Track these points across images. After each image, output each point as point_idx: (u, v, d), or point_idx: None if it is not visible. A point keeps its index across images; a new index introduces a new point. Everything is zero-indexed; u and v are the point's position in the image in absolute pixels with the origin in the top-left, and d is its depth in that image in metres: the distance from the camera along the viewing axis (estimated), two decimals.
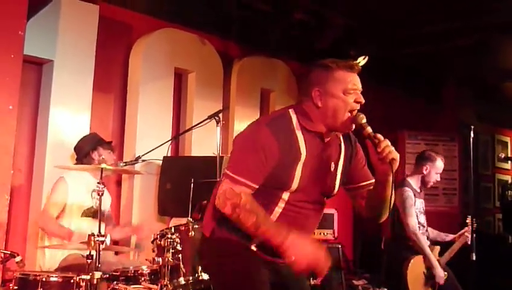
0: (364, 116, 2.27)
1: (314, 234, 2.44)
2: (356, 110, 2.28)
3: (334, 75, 2.28)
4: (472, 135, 4.31)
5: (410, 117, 7.71)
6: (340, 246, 5.84)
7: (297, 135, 2.28)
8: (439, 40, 6.40)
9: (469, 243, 4.46)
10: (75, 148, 4.17)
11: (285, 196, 2.27)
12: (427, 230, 4.65)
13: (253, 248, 2.28)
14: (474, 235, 4.35)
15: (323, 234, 5.74)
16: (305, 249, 2.14)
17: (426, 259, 4.47)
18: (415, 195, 4.56)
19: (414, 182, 4.65)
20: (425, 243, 4.48)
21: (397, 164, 2.21)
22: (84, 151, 4.09)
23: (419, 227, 4.51)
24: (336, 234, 5.96)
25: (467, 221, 4.55)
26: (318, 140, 2.32)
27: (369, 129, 2.26)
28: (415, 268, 4.46)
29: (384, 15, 5.96)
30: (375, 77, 6.53)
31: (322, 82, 2.29)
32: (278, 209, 2.27)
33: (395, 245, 4.58)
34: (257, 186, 2.21)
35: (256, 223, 2.16)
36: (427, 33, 6.28)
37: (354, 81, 2.29)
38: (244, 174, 2.19)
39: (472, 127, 4.34)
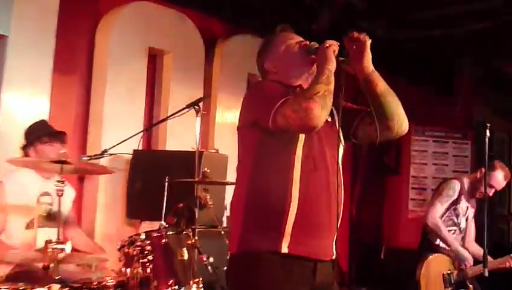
0: (316, 43, 2.52)
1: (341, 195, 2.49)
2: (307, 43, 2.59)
3: (274, 42, 2.65)
4: (488, 134, 4.32)
5: (416, 110, 7.70)
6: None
7: (284, 88, 2.49)
8: (452, 23, 6.41)
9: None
10: (24, 136, 4.07)
11: (299, 151, 2.41)
12: (463, 235, 4.89)
13: (286, 249, 2.35)
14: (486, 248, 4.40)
15: None
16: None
17: (448, 246, 4.67)
18: (462, 194, 4.82)
19: (467, 182, 4.91)
20: (447, 234, 4.70)
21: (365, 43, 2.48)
22: (28, 141, 3.99)
23: (453, 229, 4.80)
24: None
25: None
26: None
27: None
28: (430, 271, 4.55)
29: None
30: (378, 62, 6.52)
31: (267, 53, 2.65)
32: (295, 186, 2.37)
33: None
34: None
35: (315, 82, 2.36)
36: (438, 15, 6.30)
37: (292, 37, 2.64)
38: (280, 100, 2.35)
39: (488, 125, 4.35)
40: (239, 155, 2.54)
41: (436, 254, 4.69)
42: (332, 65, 2.40)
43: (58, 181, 3.07)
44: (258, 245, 2.37)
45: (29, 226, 3.83)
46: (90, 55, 5.08)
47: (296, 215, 2.36)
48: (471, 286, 4.58)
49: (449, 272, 4.65)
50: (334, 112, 2.53)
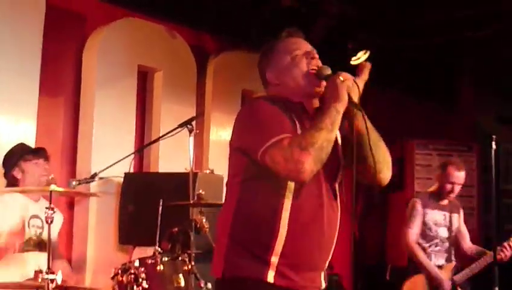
0: (329, 68, 2.42)
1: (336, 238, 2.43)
2: (317, 66, 2.46)
3: (277, 49, 2.53)
4: (494, 146, 4.36)
5: (419, 123, 7.78)
6: (337, 278, 5.85)
7: (284, 107, 2.40)
8: (453, 30, 6.45)
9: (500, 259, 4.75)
10: (3, 163, 4.12)
11: (291, 185, 2.32)
12: (448, 245, 5.04)
13: (271, 279, 2.30)
14: (497, 266, 4.45)
15: None
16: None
17: (429, 276, 4.85)
18: (426, 207, 5.01)
19: (427, 195, 5.17)
20: (423, 258, 4.89)
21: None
22: (5, 171, 4.04)
23: (435, 242, 4.97)
24: (332, 264, 5.96)
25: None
26: (301, 111, 2.44)
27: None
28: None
29: (388, 1, 6.01)
30: (378, 74, 6.55)
31: (270, 62, 2.53)
32: (285, 213, 2.30)
33: None
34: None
35: (317, 128, 2.25)
36: (439, 22, 6.34)
37: (298, 44, 2.52)
38: (274, 133, 2.27)
39: (494, 137, 4.38)
40: (229, 172, 2.48)
41: (416, 276, 4.91)
42: (342, 105, 2.29)
43: (47, 208, 3.08)
44: (243, 271, 2.32)
45: (23, 249, 3.85)
46: (78, 76, 5.10)
47: (283, 246, 2.29)
48: None
49: (432, 287, 4.81)
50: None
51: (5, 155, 4.13)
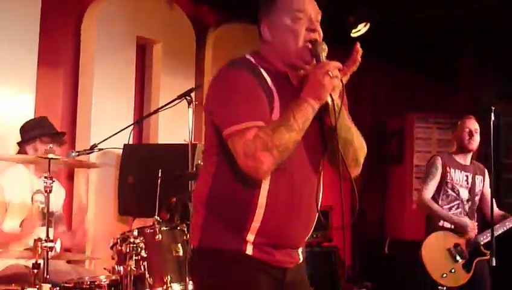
0: (326, 46, 2.27)
1: (318, 210, 2.34)
2: (316, 40, 2.30)
3: (278, 4, 2.35)
4: (493, 117, 4.36)
5: (419, 96, 7.76)
6: (336, 250, 5.89)
7: (263, 73, 2.29)
8: (453, 3, 6.42)
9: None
10: (21, 131, 4.12)
11: None
12: (471, 206, 4.91)
13: (250, 251, 2.25)
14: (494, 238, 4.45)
15: (316, 235, 5.78)
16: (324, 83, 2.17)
17: (446, 220, 4.75)
18: (447, 166, 4.88)
19: (449, 155, 5.01)
20: (439, 208, 4.79)
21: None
22: (27, 137, 4.05)
23: (456, 203, 4.85)
24: (331, 236, 6.01)
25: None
26: (284, 81, 2.33)
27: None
28: (433, 249, 4.63)
29: None
30: (378, 48, 6.55)
31: (268, 14, 2.36)
32: (263, 193, 2.22)
33: None
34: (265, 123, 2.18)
35: (289, 128, 2.13)
36: None
37: (303, 4, 2.34)
38: (244, 118, 2.16)
39: (493, 108, 4.39)
40: (205, 141, 2.36)
41: (435, 233, 4.76)
42: (320, 104, 2.18)
43: (46, 177, 3.09)
44: (220, 243, 2.26)
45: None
46: (77, 47, 5.10)
47: (260, 226, 2.23)
48: (487, 251, 4.63)
49: (454, 245, 4.71)
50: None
51: (25, 125, 4.13)
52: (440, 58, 7.87)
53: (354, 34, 6.23)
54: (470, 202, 4.91)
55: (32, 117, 4.49)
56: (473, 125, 4.93)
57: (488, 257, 4.51)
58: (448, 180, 4.85)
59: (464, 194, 4.89)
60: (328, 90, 2.17)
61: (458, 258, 4.65)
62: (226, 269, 2.26)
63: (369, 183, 7.44)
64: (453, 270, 4.62)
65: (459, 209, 4.86)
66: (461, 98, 8.08)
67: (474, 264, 4.64)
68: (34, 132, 4.05)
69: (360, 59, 2.28)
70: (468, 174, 4.94)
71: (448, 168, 4.87)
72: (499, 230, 4.70)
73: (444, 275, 4.60)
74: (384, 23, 6.42)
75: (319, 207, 2.36)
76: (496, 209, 4.88)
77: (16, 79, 4.59)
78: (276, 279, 2.31)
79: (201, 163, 2.40)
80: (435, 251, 4.66)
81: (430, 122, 7.66)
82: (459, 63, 8.20)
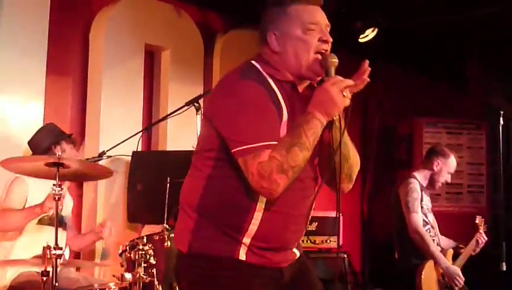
0: (337, 59, 2.24)
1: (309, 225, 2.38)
2: (327, 52, 2.28)
3: (289, 12, 2.30)
4: (502, 121, 4.34)
5: (428, 101, 7.74)
6: (346, 256, 5.87)
7: (272, 84, 2.26)
8: (462, 7, 6.41)
9: (481, 243, 4.66)
10: (30, 143, 4.15)
11: None
12: (435, 234, 4.77)
13: (243, 256, 2.22)
14: (504, 242, 4.42)
15: (326, 241, 5.76)
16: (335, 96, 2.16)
17: (436, 262, 4.59)
18: (422, 190, 4.71)
19: (421, 177, 4.80)
20: (431, 242, 4.59)
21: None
22: (43, 146, 4.07)
23: (428, 229, 4.66)
24: (341, 242, 5.99)
25: (476, 221, 4.72)
26: (291, 91, 2.31)
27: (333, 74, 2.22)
28: (429, 277, 4.55)
29: None
30: (386, 53, 6.54)
31: (276, 23, 2.31)
32: (261, 198, 2.19)
33: (402, 251, 4.76)
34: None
35: (301, 146, 2.12)
36: (448, 1, 6.29)
37: (315, 16, 2.30)
38: (258, 137, 2.13)
39: (501, 112, 4.37)
40: (200, 141, 2.33)
41: (428, 262, 4.57)
42: (329, 120, 2.18)
43: (54, 185, 3.10)
44: (212, 249, 2.22)
45: (42, 221, 3.91)
46: (85, 55, 5.11)
47: (257, 230, 2.21)
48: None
49: (442, 275, 4.61)
50: None
51: (38, 132, 4.16)
52: (448, 63, 7.86)
53: (362, 39, 6.23)
54: (435, 226, 4.78)
55: (41, 125, 4.51)
56: (454, 168, 4.77)
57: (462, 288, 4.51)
58: (422, 206, 4.68)
59: (431, 218, 4.75)
60: (340, 108, 2.17)
61: (445, 288, 4.60)
62: (217, 276, 2.22)
63: (377, 188, 7.43)
64: None
65: (431, 235, 4.66)
66: (470, 103, 8.06)
67: None
68: (53, 134, 4.08)
69: (367, 79, 2.26)
70: (429, 198, 4.81)
71: (422, 193, 4.70)
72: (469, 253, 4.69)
73: None
74: (391, 28, 6.41)
75: (312, 210, 2.36)
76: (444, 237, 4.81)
77: (25, 87, 4.60)
78: (273, 279, 2.30)
79: (193, 164, 2.33)
80: (430, 284, 4.55)
81: (439, 127, 7.64)
82: (466, 67, 8.18)
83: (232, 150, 2.15)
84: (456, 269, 4.60)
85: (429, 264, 4.57)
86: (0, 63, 4.47)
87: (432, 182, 4.79)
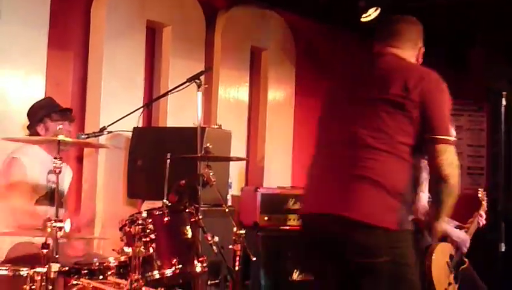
0: None
1: None
2: None
3: (420, 32, 3.09)
4: (504, 102, 4.34)
5: None
6: None
7: None
8: None
9: (481, 224, 4.60)
10: (29, 114, 4.15)
11: None
12: None
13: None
14: (504, 223, 4.42)
15: None
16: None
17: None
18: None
19: None
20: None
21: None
22: (36, 118, 4.07)
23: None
24: None
25: (479, 195, 4.67)
26: None
27: None
28: (439, 259, 4.54)
29: None
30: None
31: (418, 39, 3.05)
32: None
33: None
34: None
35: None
36: None
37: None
38: (452, 134, 2.72)
39: (504, 93, 4.37)
40: (391, 126, 2.69)
41: (440, 245, 4.57)
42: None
43: (55, 158, 3.10)
44: (409, 225, 2.73)
45: (38, 202, 3.93)
46: (87, 30, 5.09)
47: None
48: (466, 259, 4.57)
49: (450, 256, 4.59)
50: None
51: (32, 107, 4.16)
52: (450, 44, 7.83)
53: (364, 18, 6.19)
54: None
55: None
56: None
57: (467, 265, 4.48)
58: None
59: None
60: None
61: (452, 269, 4.59)
62: (416, 246, 2.75)
63: None
64: (450, 284, 4.55)
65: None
66: (471, 85, 8.04)
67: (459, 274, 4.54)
68: (42, 111, 4.08)
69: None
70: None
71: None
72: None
73: None
74: (394, 8, 6.38)
75: None
76: None
77: (26, 61, 4.59)
78: None
79: (376, 146, 2.70)
80: (440, 267, 4.54)
81: None
82: (469, 49, 8.15)
83: (435, 136, 2.65)
84: (460, 233, 4.58)
85: (440, 247, 4.56)
86: (2, 37, 4.46)
87: None
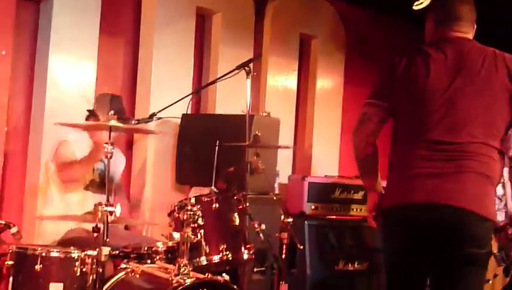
0: None
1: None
2: None
3: None
4: None
5: None
6: None
7: None
8: None
9: None
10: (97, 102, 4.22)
11: None
12: (505, 205, 4.65)
13: None
14: None
15: None
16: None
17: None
18: None
19: None
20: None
21: None
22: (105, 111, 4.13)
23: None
24: None
25: None
26: None
27: None
28: None
29: None
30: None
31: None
32: None
33: None
34: None
35: None
36: None
37: None
38: None
39: None
40: (499, 119, 2.78)
41: None
42: None
43: (106, 143, 3.14)
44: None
45: (87, 187, 4.02)
46: (137, 16, 5.13)
47: None
48: None
49: (499, 248, 4.50)
50: None
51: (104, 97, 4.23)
52: (507, 30, 7.62)
53: (416, 6, 6.09)
54: (504, 198, 4.72)
55: (94, 85, 4.60)
56: None
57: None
58: None
59: (500, 191, 4.69)
60: None
61: (502, 262, 4.49)
62: None
63: None
64: (496, 276, 4.46)
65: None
66: None
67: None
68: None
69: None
70: (506, 168, 4.63)
71: None
72: None
73: (489, 281, 4.45)
74: None
75: None
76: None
77: (78, 47, 4.65)
78: None
79: (487, 141, 2.78)
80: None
81: None
82: None
83: None
84: None
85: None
86: (55, 23, 4.53)
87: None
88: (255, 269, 4.36)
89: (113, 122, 3.11)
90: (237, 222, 3.62)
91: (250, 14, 5.71)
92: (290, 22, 5.98)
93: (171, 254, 3.44)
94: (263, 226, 3.83)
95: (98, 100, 4.21)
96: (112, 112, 3.36)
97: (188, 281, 3.00)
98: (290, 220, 3.97)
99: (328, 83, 6.41)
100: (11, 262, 3.08)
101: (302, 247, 4.20)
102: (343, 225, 5.31)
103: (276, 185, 5.00)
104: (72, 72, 4.61)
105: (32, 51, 4.63)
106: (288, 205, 5.21)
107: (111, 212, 2.96)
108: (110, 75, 4.95)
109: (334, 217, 5.34)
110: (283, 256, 3.97)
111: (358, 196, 5.37)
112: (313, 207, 5.20)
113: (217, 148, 4.06)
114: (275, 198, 4.26)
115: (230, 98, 5.25)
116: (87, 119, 4.10)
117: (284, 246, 3.95)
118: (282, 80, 5.94)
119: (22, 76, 4.59)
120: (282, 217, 3.98)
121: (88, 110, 4.14)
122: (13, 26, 4.14)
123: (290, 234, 3.95)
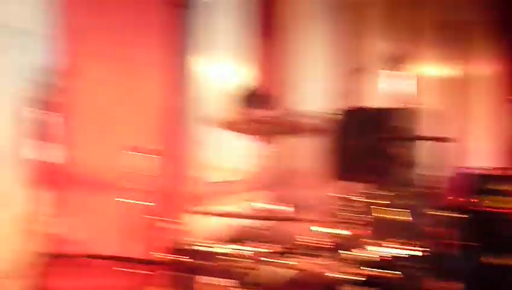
0: None
1: None
2: None
3: None
4: None
5: None
6: None
7: None
8: None
9: None
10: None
11: None
12: None
13: None
14: None
15: None
16: None
17: None
18: None
19: None
20: None
21: None
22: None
23: None
24: None
25: None
26: None
27: None
28: None
29: None
30: None
31: None
32: None
33: None
34: None
35: None
36: None
37: None
38: None
39: None
40: None
41: None
42: None
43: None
44: None
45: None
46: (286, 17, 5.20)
47: None
48: None
49: None
50: None
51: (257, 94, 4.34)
52: None
53: None
54: None
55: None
56: None
57: None
58: None
59: None
60: None
61: None
62: None
63: None
64: None
65: None
66: None
67: None
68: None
69: None
70: None
71: None
72: None
73: None
74: None
75: None
76: None
77: (234, 50, 4.78)
78: None
79: None
80: None
81: None
82: None
83: None
84: None
85: None
86: (216, 25, 4.66)
87: None
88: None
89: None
90: (400, 217, 3.59)
91: (403, 5, 5.62)
92: (446, 11, 5.84)
93: (336, 250, 3.46)
94: (419, 220, 3.76)
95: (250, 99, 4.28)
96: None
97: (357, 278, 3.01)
98: (447, 213, 3.88)
99: (488, 73, 6.21)
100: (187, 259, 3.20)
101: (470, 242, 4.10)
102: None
103: (433, 178, 4.89)
104: (229, 73, 4.74)
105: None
106: (446, 198, 5.09)
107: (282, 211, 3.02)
108: (264, 74, 5.03)
109: (495, 210, 5.15)
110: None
111: None
112: (472, 200, 5.05)
113: (377, 143, 4.03)
114: (432, 191, 4.17)
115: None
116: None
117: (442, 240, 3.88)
118: (435, 71, 5.82)
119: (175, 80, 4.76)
120: (439, 211, 3.90)
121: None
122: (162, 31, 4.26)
123: (447, 228, 3.87)
